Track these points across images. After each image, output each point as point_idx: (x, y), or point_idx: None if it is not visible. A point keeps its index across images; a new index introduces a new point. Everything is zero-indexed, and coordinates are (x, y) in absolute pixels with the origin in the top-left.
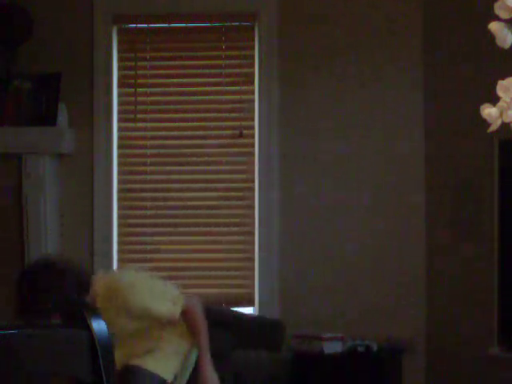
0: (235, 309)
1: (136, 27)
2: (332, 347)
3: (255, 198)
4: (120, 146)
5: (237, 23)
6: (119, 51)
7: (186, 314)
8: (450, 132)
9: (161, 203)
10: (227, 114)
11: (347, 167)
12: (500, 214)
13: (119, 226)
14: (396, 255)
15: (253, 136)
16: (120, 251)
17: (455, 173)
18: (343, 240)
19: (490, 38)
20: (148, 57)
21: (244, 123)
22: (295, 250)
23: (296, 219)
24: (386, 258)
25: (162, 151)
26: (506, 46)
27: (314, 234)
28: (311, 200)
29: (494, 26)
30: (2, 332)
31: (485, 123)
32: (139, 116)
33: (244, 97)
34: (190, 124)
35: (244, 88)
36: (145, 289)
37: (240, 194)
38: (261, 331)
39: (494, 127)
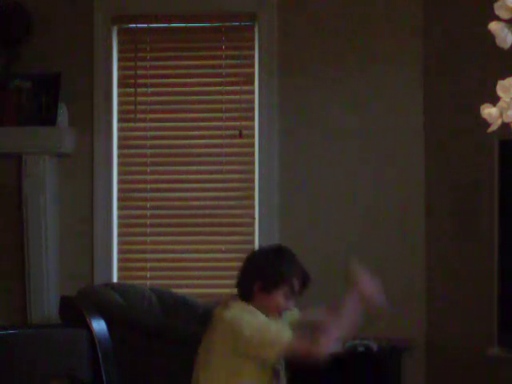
0: None
1: (136, 27)
2: (332, 347)
3: (255, 198)
4: (120, 146)
5: (237, 23)
6: (119, 51)
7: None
8: (450, 132)
9: (161, 203)
10: (227, 114)
11: (347, 168)
12: (500, 214)
13: (119, 225)
14: (396, 255)
15: (253, 136)
16: (120, 251)
17: (455, 173)
18: (343, 240)
19: (491, 37)
20: (148, 57)
21: (244, 123)
22: (295, 250)
23: (296, 219)
24: (385, 258)
25: (162, 151)
26: (506, 46)
27: (314, 233)
28: (312, 200)
29: (494, 26)
30: (2, 332)
31: (485, 123)
32: (139, 116)
33: (244, 97)
34: (189, 124)
35: (244, 88)
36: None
37: (240, 193)
38: None
39: (494, 127)
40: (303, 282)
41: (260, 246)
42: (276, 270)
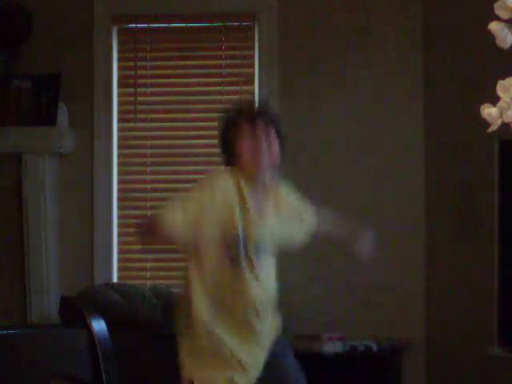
0: None
1: (136, 27)
2: (332, 347)
3: None
4: (120, 146)
5: (237, 23)
6: (119, 51)
7: None
8: (450, 132)
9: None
10: None
11: (348, 169)
12: (500, 214)
13: (119, 225)
14: (396, 255)
15: None
16: (120, 251)
17: (455, 173)
18: None
19: (491, 38)
20: (148, 57)
21: None
22: (295, 250)
23: None
24: (385, 258)
25: (162, 151)
26: (506, 46)
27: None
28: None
29: (494, 26)
30: (2, 332)
31: (485, 123)
32: (139, 116)
33: (244, 97)
34: (189, 124)
35: (244, 88)
36: None
37: None
38: None
39: (494, 127)
40: (248, 115)
41: None
42: (221, 136)
